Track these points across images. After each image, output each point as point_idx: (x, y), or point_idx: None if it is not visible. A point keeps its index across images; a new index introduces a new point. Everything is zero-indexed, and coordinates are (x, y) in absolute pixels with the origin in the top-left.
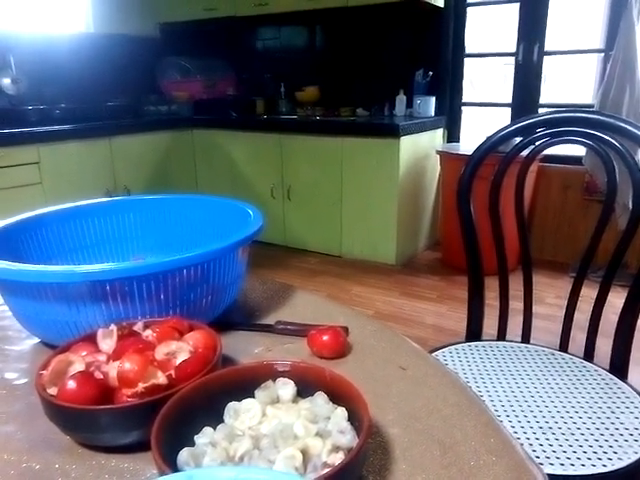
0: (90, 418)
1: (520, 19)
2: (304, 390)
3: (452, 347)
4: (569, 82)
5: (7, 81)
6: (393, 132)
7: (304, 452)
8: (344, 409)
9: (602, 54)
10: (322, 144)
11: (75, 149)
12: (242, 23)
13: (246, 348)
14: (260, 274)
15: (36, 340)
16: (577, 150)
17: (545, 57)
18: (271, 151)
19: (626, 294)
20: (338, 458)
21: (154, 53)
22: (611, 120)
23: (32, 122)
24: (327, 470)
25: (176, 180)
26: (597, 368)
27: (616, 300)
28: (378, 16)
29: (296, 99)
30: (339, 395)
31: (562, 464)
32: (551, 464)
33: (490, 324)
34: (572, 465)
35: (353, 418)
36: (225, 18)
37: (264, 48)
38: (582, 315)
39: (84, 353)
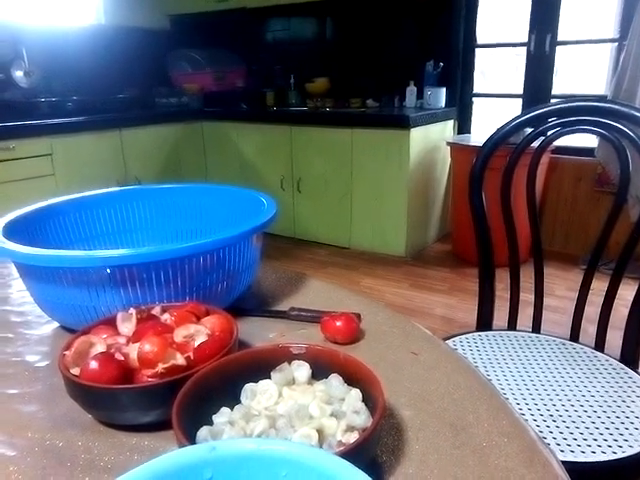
0: (112, 397)
1: (532, 9)
2: (319, 372)
3: (462, 336)
4: (582, 72)
5: (20, 74)
6: (403, 123)
7: (319, 432)
8: (358, 390)
9: (616, 44)
10: (332, 135)
11: (87, 141)
12: (252, 15)
13: (261, 333)
14: (270, 265)
15: (56, 325)
16: (589, 141)
17: (557, 47)
18: (281, 143)
19: (637, 286)
20: (353, 437)
21: (164, 45)
22: (624, 108)
23: (44, 114)
24: (342, 448)
25: (186, 172)
26: (608, 358)
27: (627, 292)
28: (388, 6)
29: (306, 90)
30: (353, 377)
31: (572, 451)
32: (562, 451)
33: (500, 316)
34: (583, 452)
35: (367, 399)
36: (235, 10)
37: (274, 40)
38: (593, 308)
39: (105, 336)
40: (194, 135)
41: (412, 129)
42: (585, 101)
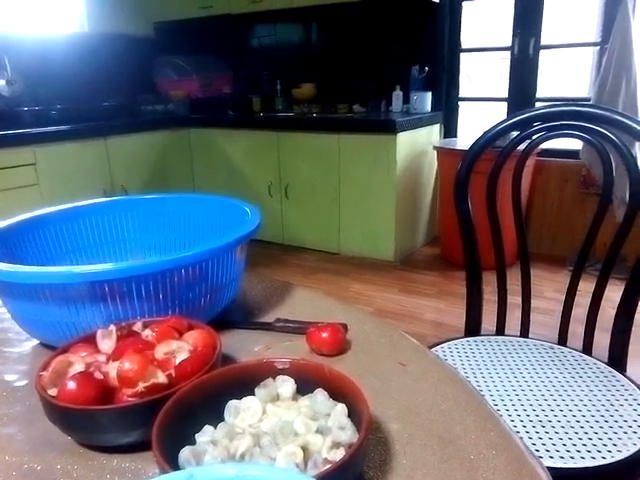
0: (91, 418)
1: (515, 13)
2: (304, 387)
3: (451, 342)
4: (566, 75)
5: (2, 82)
6: (390, 128)
7: (305, 449)
8: (344, 405)
9: (598, 47)
10: (319, 141)
11: (71, 150)
12: (237, 21)
13: (245, 346)
14: (258, 272)
15: (35, 342)
16: (574, 144)
17: (541, 51)
18: (268, 149)
19: (624, 287)
20: (339, 454)
21: (149, 52)
22: (607, 113)
23: (28, 123)
24: (328, 466)
25: (173, 179)
26: (596, 361)
27: (614, 294)
28: (373, 12)
29: (292, 96)
30: (339, 391)
31: (562, 457)
32: (551, 457)
33: (489, 319)
34: (572, 458)
35: (353, 414)
36: (220, 16)
37: (260, 45)
38: (580, 309)
39: (84, 354)
40: (181, 142)
41: (399, 134)
42: (569, 106)
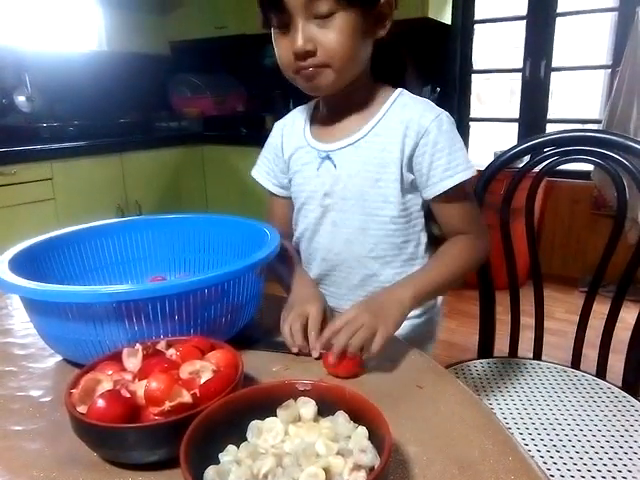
0: (119, 436)
1: (527, 36)
2: (325, 409)
3: (464, 364)
4: (576, 97)
5: (22, 99)
6: None
7: (326, 470)
8: (365, 428)
9: (609, 70)
10: None
11: (87, 165)
12: (252, 41)
13: (264, 366)
14: (275, 290)
15: (59, 358)
16: (585, 165)
17: (552, 73)
18: None
19: (638, 310)
20: (360, 477)
21: (165, 70)
22: (620, 139)
23: (46, 139)
24: None
25: (186, 195)
26: (610, 386)
27: (626, 315)
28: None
29: None
30: (359, 414)
31: None
32: None
33: (501, 337)
34: None
35: (373, 436)
36: (235, 36)
37: (273, 65)
38: (593, 331)
39: (110, 372)
40: (194, 159)
41: None
42: (581, 131)
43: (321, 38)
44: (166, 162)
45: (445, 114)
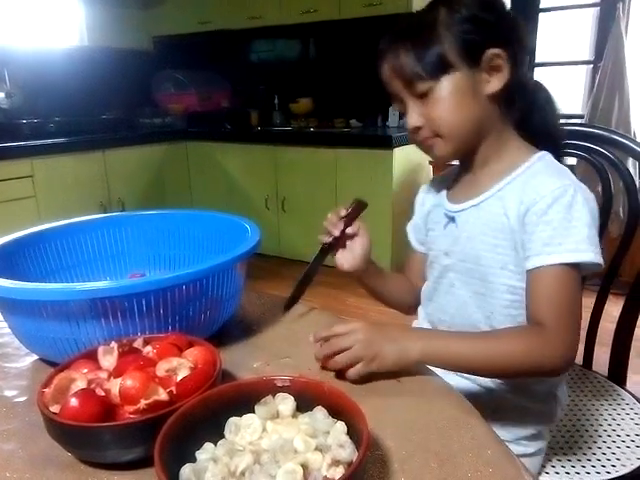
0: (93, 435)
1: None
2: (303, 405)
3: None
4: (560, 93)
5: (1, 95)
6: (386, 143)
7: (304, 466)
8: (343, 423)
9: (591, 65)
10: (316, 155)
11: (69, 162)
12: (236, 36)
13: (245, 362)
14: (256, 286)
15: (35, 357)
16: (570, 158)
17: (536, 68)
18: (265, 163)
19: (622, 302)
20: (338, 472)
21: (148, 66)
22: (605, 133)
23: (26, 136)
24: None
25: (170, 192)
26: (597, 376)
27: (611, 308)
28: (370, 28)
29: (290, 111)
30: (338, 409)
31: (567, 472)
32: (557, 473)
33: None
34: (578, 474)
35: (352, 432)
36: (219, 31)
37: (258, 60)
38: None
39: (85, 370)
40: (178, 155)
41: (395, 149)
42: (566, 125)
43: (427, 112)
44: (150, 159)
45: (575, 188)
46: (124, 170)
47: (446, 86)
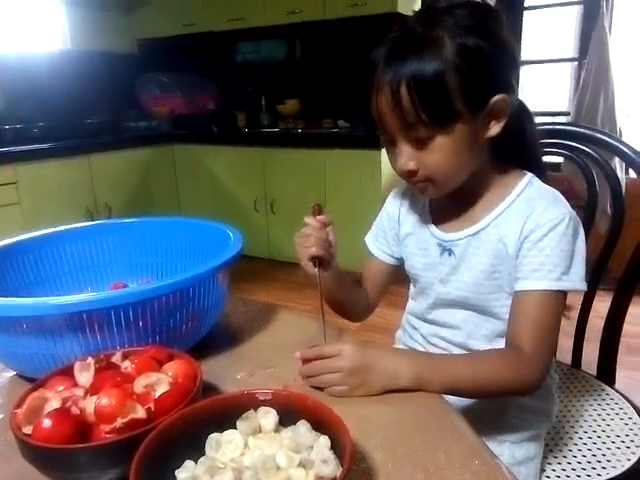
0: (67, 457)
1: None
2: (287, 418)
3: None
4: (546, 90)
5: None
6: (374, 143)
7: None
8: (327, 438)
9: (576, 62)
10: (304, 156)
11: (54, 168)
12: (220, 38)
13: (228, 374)
14: (246, 289)
15: (12, 373)
16: (555, 157)
17: (521, 66)
18: (253, 165)
19: (610, 298)
20: None
21: (133, 69)
22: (588, 132)
23: (9, 141)
24: None
25: (158, 196)
26: (585, 375)
27: (599, 304)
28: (356, 28)
29: (277, 112)
30: (322, 423)
31: (558, 476)
32: (547, 477)
33: None
34: (568, 477)
35: (336, 445)
36: (203, 33)
37: (244, 62)
38: (567, 321)
39: (61, 388)
40: (165, 159)
41: (383, 149)
42: (550, 124)
43: (422, 159)
44: (136, 163)
45: (569, 217)
46: (110, 175)
47: (449, 135)
